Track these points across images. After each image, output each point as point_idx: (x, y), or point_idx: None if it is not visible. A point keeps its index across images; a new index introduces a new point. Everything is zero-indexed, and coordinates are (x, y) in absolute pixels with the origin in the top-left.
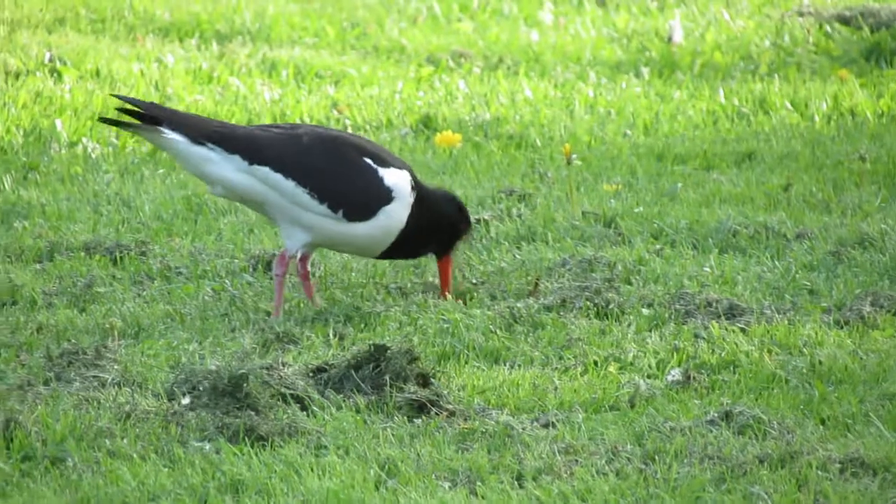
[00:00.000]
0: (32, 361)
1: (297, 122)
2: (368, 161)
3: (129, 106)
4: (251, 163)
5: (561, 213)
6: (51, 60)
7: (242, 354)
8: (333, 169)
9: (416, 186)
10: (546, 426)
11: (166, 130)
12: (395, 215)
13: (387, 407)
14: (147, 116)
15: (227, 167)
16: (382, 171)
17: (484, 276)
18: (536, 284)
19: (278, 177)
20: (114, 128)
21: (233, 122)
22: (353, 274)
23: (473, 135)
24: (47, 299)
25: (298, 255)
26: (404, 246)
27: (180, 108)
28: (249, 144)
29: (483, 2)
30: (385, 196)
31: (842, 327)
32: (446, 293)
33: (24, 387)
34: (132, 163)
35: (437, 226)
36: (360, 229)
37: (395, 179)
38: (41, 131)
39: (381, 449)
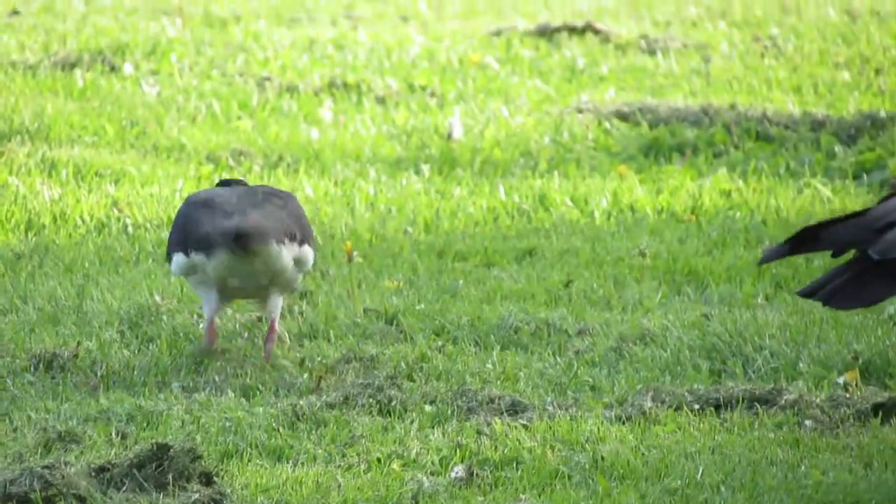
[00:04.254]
0: None
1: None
2: None
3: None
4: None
5: (343, 311)
6: None
7: (22, 455)
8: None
9: None
10: None
11: None
12: None
13: None
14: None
15: None
16: None
17: (266, 373)
18: (319, 381)
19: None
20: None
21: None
22: (136, 372)
23: None
24: None
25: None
26: None
27: None
28: None
29: (262, 100)
30: None
31: (623, 423)
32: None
33: None
34: None
35: None
36: None
37: None
38: None
39: None
